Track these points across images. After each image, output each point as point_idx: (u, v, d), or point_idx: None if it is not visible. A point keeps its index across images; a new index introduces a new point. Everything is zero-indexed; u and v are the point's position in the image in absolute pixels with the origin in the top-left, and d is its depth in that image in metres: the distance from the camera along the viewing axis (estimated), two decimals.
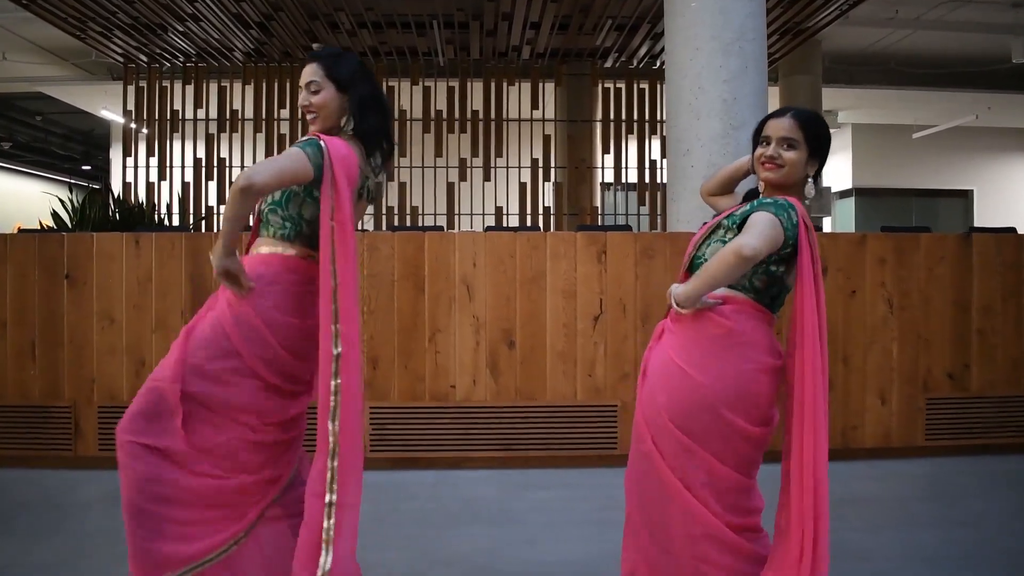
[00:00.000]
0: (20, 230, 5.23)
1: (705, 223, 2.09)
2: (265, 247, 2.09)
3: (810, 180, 2.01)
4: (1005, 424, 4.26)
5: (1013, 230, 4.64)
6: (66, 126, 15.92)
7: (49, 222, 6.30)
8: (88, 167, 17.80)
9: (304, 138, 2.07)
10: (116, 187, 12.32)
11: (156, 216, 8.36)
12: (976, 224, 14.35)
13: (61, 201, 6.45)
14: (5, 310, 4.02)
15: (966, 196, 14.68)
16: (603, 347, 4.08)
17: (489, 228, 4.52)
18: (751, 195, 2.09)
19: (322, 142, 2.02)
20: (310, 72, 2.11)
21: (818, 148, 2.00)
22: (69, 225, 6.16)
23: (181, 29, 8.62)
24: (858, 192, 14.29)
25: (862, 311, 4.17)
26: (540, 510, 3.43)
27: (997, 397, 4.25)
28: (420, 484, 3.78)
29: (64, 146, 16.68)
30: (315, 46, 9.15)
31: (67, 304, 4.02)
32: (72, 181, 17.53)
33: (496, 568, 2.75)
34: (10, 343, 4.02)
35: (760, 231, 1.86)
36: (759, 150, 2.02)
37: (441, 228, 4.56)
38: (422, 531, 3.12)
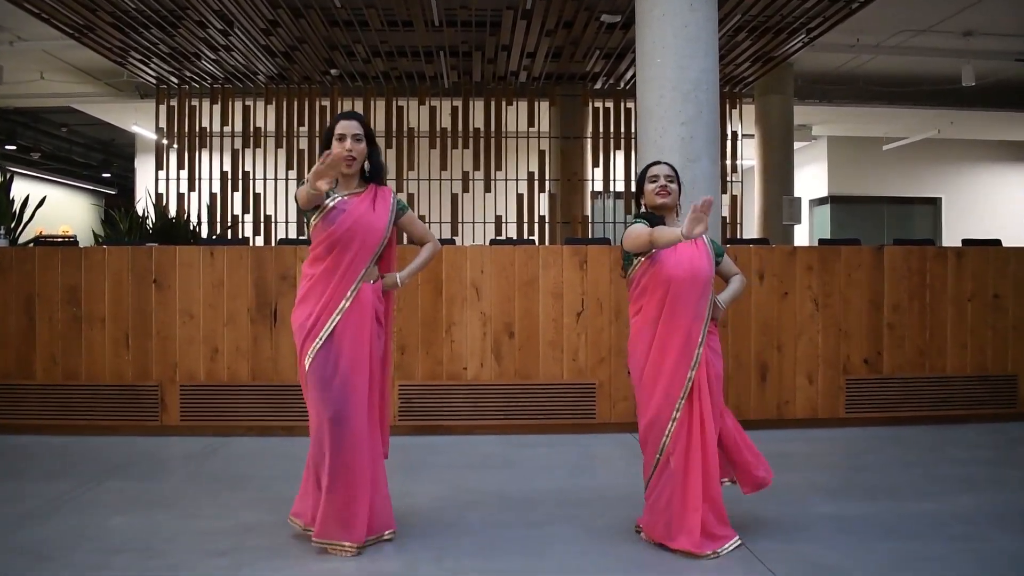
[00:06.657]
0: (41, 236, 6.24)
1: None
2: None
3: None
4: (911, 400, 5.22)
5: (932, 241, 5.62)
6: (88, 136, 16.57)
7: (69, 228, 7.43)
8: (108, 174, 18.61)
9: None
10: (140, 195, 13.27)
11: (189, 226, 9.23)
12: (944, 229, 15.34)
13: (109, 213, 7.53)
14: (104, 308, 5.00)
15: (935, 203, 15.42)
16: (584, 337, 5.06)
17: (493, 241, 5.47)
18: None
19: None
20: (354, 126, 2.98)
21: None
22: (123, 231, 7.23)
23: (213, 57, 9.54)
24: (833, 200, 15.01)
25: (793, 309, 5.14)
26: (534, 460, 4.41)
27: (904, 378, 5.22)
28: (442, 445, 4.74)
29: (85, 155, 17.37)
30: (332, 72, 10.13)
31: (155, 303, 5.00)
32: (90, 187, 18.41)
33: (504, 493, 3.73)
34: (108, 335, 4.99)
35: None
36: (651, 185, 3.02)
37: (449, 239, 5.53)
38: (450, 474, 4.08)
